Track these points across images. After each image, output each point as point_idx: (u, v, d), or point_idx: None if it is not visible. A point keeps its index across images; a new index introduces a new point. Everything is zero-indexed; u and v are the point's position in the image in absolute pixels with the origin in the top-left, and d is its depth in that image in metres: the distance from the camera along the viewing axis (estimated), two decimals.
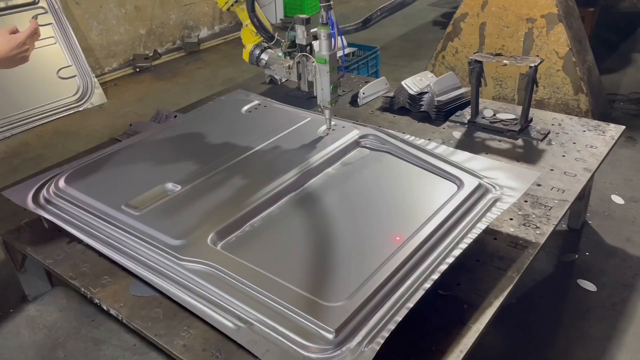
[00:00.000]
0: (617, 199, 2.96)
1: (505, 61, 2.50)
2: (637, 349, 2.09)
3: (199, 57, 5.80)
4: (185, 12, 6.10)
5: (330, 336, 1.32)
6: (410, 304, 1.42)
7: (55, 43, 4.64)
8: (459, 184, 1.87)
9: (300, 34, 2.13)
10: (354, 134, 2.21)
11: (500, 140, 2.54)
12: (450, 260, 1.55)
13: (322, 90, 2.08)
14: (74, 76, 4.71)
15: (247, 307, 1.43)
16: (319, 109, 2.18)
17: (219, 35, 6.37)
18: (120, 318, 1.73)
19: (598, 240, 2.69)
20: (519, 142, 2.52)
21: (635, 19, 5.56)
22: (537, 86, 2.52)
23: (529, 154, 2.42)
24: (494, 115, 2.69)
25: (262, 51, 2.51)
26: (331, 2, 1.95)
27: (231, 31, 6.44)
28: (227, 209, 1.79)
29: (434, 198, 1.81)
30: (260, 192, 1.86)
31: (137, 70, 5.45)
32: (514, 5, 3.71)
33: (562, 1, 3.59)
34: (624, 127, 2.56)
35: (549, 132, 2.55)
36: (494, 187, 1.86)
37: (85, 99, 4.73)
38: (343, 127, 2.26)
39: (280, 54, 2.33)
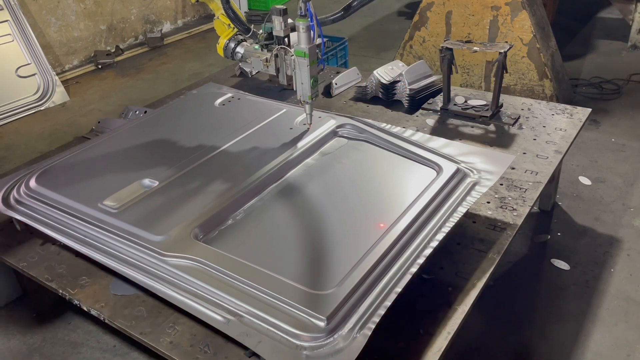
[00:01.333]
0: (585, 180, 3.05)
1: (475, 48, 2.54)
2: (611, 323, 2.16)
3: (163, 52, 5.69)
4: (147, 7, 5.96)
5: (322, 324, 1.32)
6: (399, 289, 1.43)
7: (13, 41, 4.47)
8: (438, 169, 1.89)
9: (278, 26, 2.09)
10: (330, 123, 2.21)
11: (472, 126, 2.58)
12: (434, 244, 1.57)
13: (302, 85, 2.02)
14: (34, 74, 4.56)
15: (235, 300, 1.42)
16: (299, 104, 2.11)
17: (182, 29, 6.26)
18: (102, 318, 1.70)
19: (568, 220, 2.77)
20: (491, 127, 2.57)
21: (593, 6, 5.72)
22: (506, 72, 2.56)
23: (501, 139, 2.46)
24: (466, 102, 2.73)
25: (237, 44, 2.46)
26: None
27: (195, 25, 6.34)
28: (208, 203, 1.76)
29: (414, 184, 1.83)
30: (241, 184, 1.85)
31: (99, 67, 5.31)
32: None
33: None
34: (590, 109, 2.64)
35: (519, 117, 2.60)
36: (472, 172, 1.89)
37: (46, 98, 4.58)
38: (319, 117, 2.26)
39: (256, 47, 2.27)
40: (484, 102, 2.69)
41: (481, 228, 1.91)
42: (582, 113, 2.61)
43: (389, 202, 1.77)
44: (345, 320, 1.35)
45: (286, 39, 2.10)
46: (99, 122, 2.87)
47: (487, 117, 2.58)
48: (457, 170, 1.87)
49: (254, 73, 3.36)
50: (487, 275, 1.71)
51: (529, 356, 2.07)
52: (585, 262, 2.49)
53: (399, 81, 2.80)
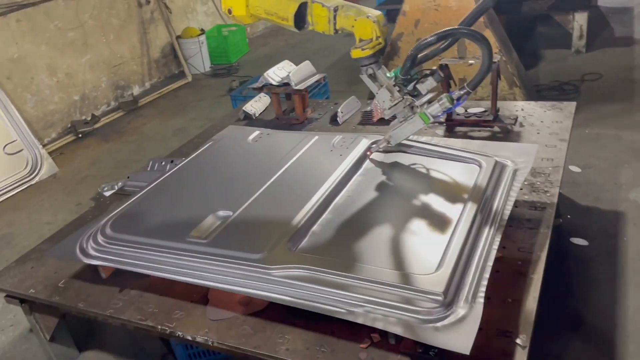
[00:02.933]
0: (575, 168, 3.38)
1: (471, 61, 2.85)
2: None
3: (140, 114, 5.79)
4: (116, 73, 6.08)
5: (439, 298, 1.49)
6: (490, 262, 1.62)
7: None
8: (479, 164, 2.12)
9: (426, 87, 2.12)
10: (365, 142, 2.42)
11: (480, 131, 2.86)
12: (503, 223, 1.79)
13: (400, 133, 2.13)
14: (21, 150, 4.56)
15: (352, 294, 1.56)
16: (383, 143, 2.22)
17: (150, 91, 6.39)
18: (211, 343, 1.79)
19: (573, 204, 3.06)
20: (496, 129, 2.85)
21: (533, 22, 6.30)
22: (499, 79, 2.88)
23: (509, 137, 2.74)
24: (466, 111, 3.01)
25: (375, 63, 2.08)
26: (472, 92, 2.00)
27: (162, 85, 6.48)
28: (286, 222, 1.91)
29: (464, 178, 2.05)
30: (311, 200, 2.01)
31: (80, 135, 5.34)
32: (444, 19, 4.15)
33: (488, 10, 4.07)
34: (575, 102, 2.98)
35: (517, 117, 2.91)
36: (508, 162, 2.13)
37: (36, 171, 4.58)
38: (352, 138, 2.46)
39: (388, 75, 2.12)
40: (482, 109, 2.98)
41: (525, 210, 2.14)
42: (570, 106, 2.94)
43: (449, 195, 1.98)
44: (458, 294, 1.52)
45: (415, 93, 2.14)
46: (128, 177, 2.95)
47: (490, 120, 2.87)
48: (496, 163, 2.10)
49: (257, 115, 3.55)
50: (546, 246, 1.93)
51: (580, 320, 2.29)
52: (600, 236, 2.76)
53: None
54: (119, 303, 2.02)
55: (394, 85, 2.11)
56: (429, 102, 2.13)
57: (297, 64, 3.43)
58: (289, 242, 1.81)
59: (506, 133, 2.79)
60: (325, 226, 1.93)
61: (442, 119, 2.96)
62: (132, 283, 2.09)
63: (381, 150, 2.31)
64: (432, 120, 2.07)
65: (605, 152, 3.50)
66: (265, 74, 3.19)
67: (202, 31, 6.86)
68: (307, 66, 3.20)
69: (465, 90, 2.05)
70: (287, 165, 2.30)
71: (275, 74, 3.18)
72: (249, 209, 2.03)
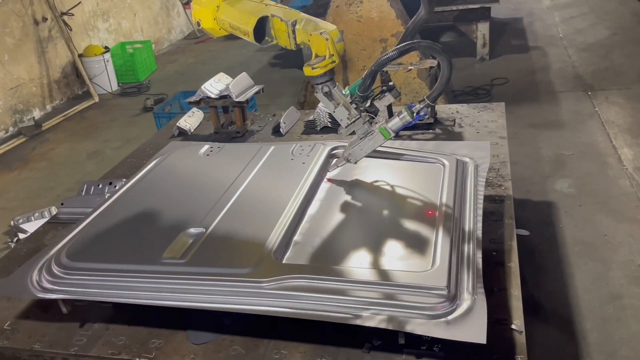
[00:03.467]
0: None
1: (410, 67, 2.95)
2: (582, 263, 2.62)
3: (45, 139, 5.36)
4: (13, 96, 5.59)
5: (444, 292, 1.50)
6: (480, 254, 1.67)
7: None
8: (442, 163, 2.19)
9: (384, 103, 2.07)
10: (323, 148, 2.40)
11: (423, 133, 2.95)
12: (480, 218, 1.85)
13: (360, 150, 2.07)
14: None
15: (355, 298, 1.53)
16: (342, 161, 2.15)
17: (54, 114, 5.95)
18: None
19: None
20: (438, 131, 2.96)
21: (435, 33, 6.67)
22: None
23: (452, 138, 2.86)
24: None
25: (330, 80, 2.00)
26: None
27: (66, 108, 6.06)
28: (264, 235, 1.83)
29: (431, 178, 2.10)
30: (283, 214, 1.94)
31: None
32: (367, 30, 4.28)
33: (405, 21, 4.26)
34: (503, 103, 3.17)
35: (455, 119, 3.04)
36: (466, 159, 2.22)
37: None
38: (309, 146, 2.44)
39: (345, 92, 2.05)
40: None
41: (486, 204, 2.21)
42: (500, 106, 3.13)
43: (422, 194, 2.01)
44: (459, 287, 1.54)
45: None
46: (62, 203, 2.69)
47: (431, 123, 2.98)
48: (457, 160, 2.18)
49: (192, 130, 3.42)
50: (514, 235, 2.03)
51: (537, 304, 2.43)
52: (538, 226, 2.96)
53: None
54: (82, 339, 1.83)
55: (351, 103, 2.06)
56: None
57: (207, 81, 3.33)
58: (273, 254, 1.73)
59: (448, 134, 2.91)
60: (305, 235, 1.88)
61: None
62: (93, 316, 1.89)
63: (340, 167, 2.19)
64: (392, 134, 2.05)
65: (525, 150, 3.77)
66: (202, 87, 3.08)
67: (107, 49, 6.51)
68: (244, 78, 3.14)
69: (425, 103, 2.04)
70: (250, 177, 2.22)
71: (213, 86, 3.08)
72: (222, 225, 1.93)
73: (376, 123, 2.07)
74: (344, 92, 2.07)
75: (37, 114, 5.84)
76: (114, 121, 5.57)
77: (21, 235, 3.53)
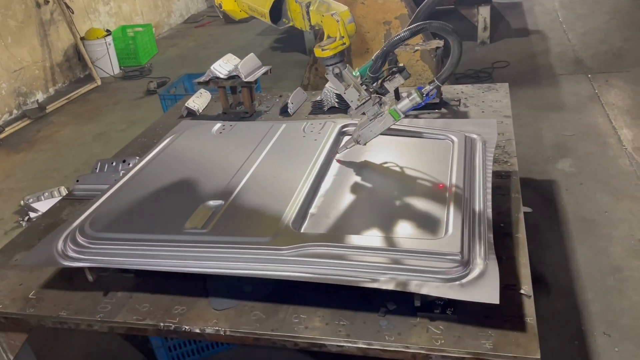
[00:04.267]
0: None
1: (417, 47, 3.00)
2: (584, 238, 2.71)
3: (50, 121, 5.39)
4: (16, 79, 5.60)
5: (458, 258, 1.57)
6: (490, 224, 1.75)
7: None
8: (451, 140, 2.25)
9: (394, 84, 2.07)
10: (334, 126, 2.46)
11: (429, 112, 3.01)
12: (489, 190, 1.92)
13: (370, 132, 2.09)
14: None
15: (372, 263, 1.60)
16: (351, 143, 2.17)
17: (56, 97, 5.97)
18: (223, 332, 1.74)
19: None
20: (443, 110, 3.02)
21: (435, 16, 6.70)
22: (443, 63, 3.06)
23: (458, 117, 2.92)
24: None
25: (341, 62, 2.00)
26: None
27: (68, 91, 6.08)
28: (281, 207, 1.90)
29: (441, 153, 2.17)
30: (298, 187, 2.01)
31: None
32: (371, 12, 4.32)
33: (409, 3, 4.30)
34: (507, 83, 3.24)
35: (460, 99, 3.10)
36: (474, 135, 2.29)
37: None
38: (320, 123, 2.50)
39: (355, 73, 2.07)
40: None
41: (493, 180, 2.29)
42: (504, 87, 3.20)
43: (433, 168, 2.08)
44: (471, 253, 1.62)
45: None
46: (77, 180, 2.75)
47: (437, 103, 3.04)
48: (466, 137, 2.25)
49: (200, 111, 3.47)
50: (521, 208, 2.10)
51: (541, 277, 2.51)
52: (541, 203, 3.04)
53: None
54: (107, 307, 1.90)
55: (361, 84, 2.07)
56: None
57: (209, 65, 3.37)
58: (291, 224, 1.80)
59: (453, 114, 2.97)
60: (321, 207, 1.95)
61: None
62: (117, 285, 1.97)
63: (349, 148, 2.21)
64: (402, 116, 2.06)
65: (527, 130, 3.84)
66: (211, 67, 3.13)
67: (108, 32, 6.52)
68: (252, 58, 3.18)
69: (435, 85, 2.06)
70: (264, 153, 2.29)
71: (222, 67, 3.13)
72: (240, 197, 2.00)
73: (385, 104, 2.08)
74: (354, 73, 2.08)
75: (40, 96, 5.86)
76: (117, 104, 5.60)
77: (32, 214, 3.59)
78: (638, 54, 4.91)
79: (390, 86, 2.11)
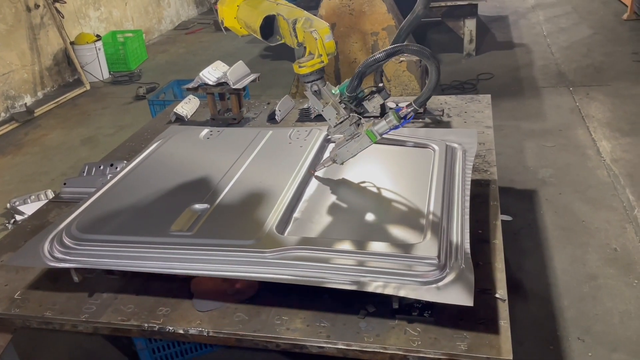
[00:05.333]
0: None
1: (401, 58, 3.07)
2: (561, 247, 2.78)
3: (37, 125, 5.39)
4: (5, 82, 5.60)
5: (435, 262, 1.63)
6: (467, 229, 1.81)
7: None
8: (432, 148, 2.32)
9: (373, 104, 2.07)
10: (320, 133, 2.52)
11: (413, 122, 3.08)
12: (468, 197, 1.98)
13: (347, 152, 2.07)
14: None
15: (353, 267, 1.65)
16: (329, 162, 2.14)
17: (45, 100, 5.97)
18: (206, 333, 1.78)
19: None
20: (427, 120, 3.10)
21: (423, 29, 6.81)
22: (427, 75, 3.13)
23: (441, 127, 3.00)
24: (397, 105, 3.23)
25: (320, 79, 1.98)
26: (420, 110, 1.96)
27: (57, 95, 6.08)
28: (266, 212, 1.95)
29: (423, 161, 2.23)
30: (282, 193, 2.06)
31: None
32: (358, 23, 4.40)
33: (396, 15, 4.39)
34: (489, 95, 3.32)
35: (443, 110, 3.18)
36: (455, 145, 2.35)
37: None
38: (306, 131, 2.56)
39: (335, 91, 2.04)
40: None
41: (472, 188, 2.32)
42: (486, 98, 3.28)
43: (415, 175, 2.14)
44: (448, 257, 1.67)
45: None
46: (64, 183, 2.77)
47: (421, 112, 3.11)
48: (447, 146, 2.31)
49: (189, 117, 3.51)
50: (499, 215, 2.17)
51: (519, 283, 2.58)
52: (520, 212, 3.11)
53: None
54: (92, 307, 1.93)
55: (340, 103, 2.04)
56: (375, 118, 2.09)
57: (199, 71, 3.42)
58: (275, 228, 1.85)
59: (437, 123, 3.04)
60: (304, 212, 2.00)
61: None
62: (102, 286, 2.00)
63: (327, 166, 2.17)
64: (379, 137, 2.03)
65: (509, 141, 3.93)
66: (200, 74, 3.18)
67: (98, 37, 6.54)
68: (241, 66, 3.24)
69: (412, 108, 2.03)
70: (250, 159, 2.33)
71: (211, 74, 3.18)
72: (225, 201, 2.04)
73: (363, 125, 2.06)
74: (333, 91, 2.05)
75: (28, 100, 5.86)
76: (106, 109, 5.62)
77: (18, 217, 3.60)
78: (619, 69, 5.04)
79: (369, 106, 2.10)
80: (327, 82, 2.01)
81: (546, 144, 3.83)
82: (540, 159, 3.63)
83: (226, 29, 2.22)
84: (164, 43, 8.03)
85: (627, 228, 2.87)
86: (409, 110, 2.02)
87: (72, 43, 6.28)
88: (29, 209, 3.58)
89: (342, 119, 2.02)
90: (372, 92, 2.09)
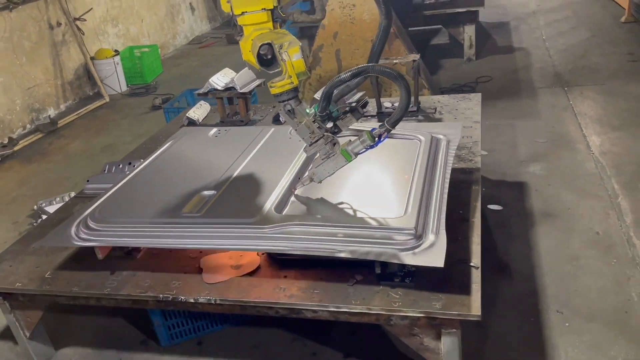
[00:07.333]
0: (483, 152, 3.94)
1: (395, 61, 3.31)
2: (547, 232, 2.97)
3: (61, 135, 5.71)
4: (30, 96, 5.95)
5: (412, 232, 1.85)
6: (444, 206, 2.03)
7: None
8: (419, 139, 2.54)
9: (346, 124, 2.11)
10: None
11: (406, 119, 3.31)
12: (447, 180, 2.20)
13: (323, 170, 2.10)
14: None
15: (342, 238, 1.88)
16: (307, 180, 2.18)
17: (67, 112, 6.30)
18: (213, 301, 2.01)
19: (486, 178, 3.60)
20: (420, 117, 3.32)
21: (425, 36, 7.04)
22: (420, 75, 3.36)
23: (433, 122, 3.22)
24: (392, 105, 3.46)
25: (294, 98, 1.99)
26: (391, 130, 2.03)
27: (78, 107, 6.39)
28: (267, 196, 2.19)
29: (410, 150, 2.45)
30: (282, 179, 2.30)
31: None
32: (359, 31, 4.64)
33: (395, 22, 4.62)
34: (480, 93, 3.53)
35: (436, 108, 3.40)
36: (440, 136, 2.58)
37: None
38: None
39: (308, 111, 2.04)
40: None
41: (458, 175, 2.58)
42: (477, 97, 3.49)
43: (401, 162, 2.36)
44: (425, 228, 1.89)
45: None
46: (88, 180, 3.05)
47: (415, 111, 3.33)
48: (432, 137, 2.54)
49: (200, 120, 3.78)
50: (479, 197, 2.38)
51: (505, 265, 2.77)
52: (511, 202, 3.31)
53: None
54: (114, 283, 2.18)
55: (314, 122, 2.03)
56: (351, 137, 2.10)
57: None
58: (274, 209, 2.09)
59: (429, 120, 3.26)
60: (301, 196, 2.24)
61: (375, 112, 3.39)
62: (122, 265, 2.25)
63: (305, 185, 2.20)
64: (354, 157, 2.06)
65: (504, 138, 4.13)
66: (210, 80, 3.44)
67: (117, 52, 6.89)
68: (247, 72, 3.48)
69: (385, 128, 2.04)
70: (254, 152, 2.58)
71: (219, 79, 3.44)
72: (231, 188, 2.29)
73: (338, 145, 2.06)
74: (308, 110, 2.04)
75: (52, 112, 6.19)
76: (124, 119, 5.93)
77: (44, 217, 3.88)
78: (613, 68, 5.20)
79: (342, 125, 2.12)
80: (302, 102, 2.02)
81: (538, 140, 4.01)
82: (532, 154, 3.82)
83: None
84: (178, 57, 8.37)
85: (610, 214, 3.05)
86: (383, 130, 2.04)
87: (92, 58, 6.63)
88: (54, 209, 3.85)
89: (316, 138, 2.03)
90: (345, 112, 2.10)
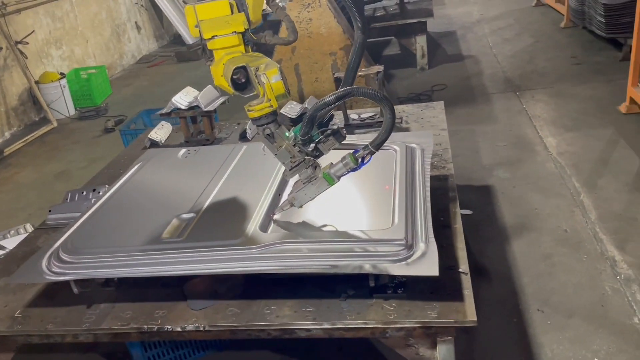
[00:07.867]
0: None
1: (360, 73, 3.33)
2: (519, 234, 3.04)
3: (8, 164, 5.44)
4: None
5: (403, 242, 1.85)
6: (429, 214, 2.04)
7: None
8: (394, 150, 2.56)
9: (328, 147, 2.02)
10: None
11: (375, 130, 3.33)
12: (428, 189, 2.22)
13: (305, 195, 2.03)
14: None
15: (332, 253, 1.86)
16: (287, 205, 2.09)
17: (12, 140, 6.01)
18: (202, 329, 1.94)
19: None
20: None
21: (378, 47, 7.16)
22: (384, 86, 3.40)
23: (400, 132, 3.25)
24: (359, 116, 3.48)
25: (272, 122, 1.92)
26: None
27: (25, 133, 6.13)
28: (248, 216, 2.14)
29: (386, 161, 2.46)
30: (261, 198, 2.26)
31: None
32: (317, 45, 4.67)
33: (351, 35, 4.67)
34: (442, 101, 3.61)
35: (402, 117, 3.44)
36: (414, 145, 2.60)
37: None
38: None
39: (287, 134, 1.97)
40: (372, 113, 3.48)
41: (433, 182, 2.59)
42: (440, 105, 3.56)
43: (381, 173, 2.37)
44: (414, 237, 1.90)
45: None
46: (50, 210, 2.89)
47: (381, 121, 3.35)
48: (407, 147, 2.56)
49: (163, 141, 3.67)
50: (457, 204, 2.41)
51: (482, 267, 2.82)
52: (479, 206, 3.38)
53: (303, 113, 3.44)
54: (92, 317, 2.06)
55: (294, 146, 1.97)
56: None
57: (166, 101, 3.60)
58: (258, 228, 2.04)
59: (396, 129, 3.29)
60: (283, 215, 2.19)
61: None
62: (99, 298, 2.14)
63: (285, 210, 2.13)
64: (337, 181, 2.01)
65: (465, 144, 4.23)
66: (172, 99, 3.36)
67: (62, 75, 6.65)
68: (210, 90, 3.43)
69: (368, 150, 1.99)
70: (228, 171, 2.53)
71: (182, 99, 3.36)
72: (210, 209, 2.22)
73: (320, 168, 2.02)
74: (287, 134, 1.98)
75: None
76: (75, 143, 5.71)
77: (1, 252, 3.66)
78: (560, 72, 5.45)
79: (324, 148, 2.04)
80: (282, 125, 1.95)
81: (499, 143, 4.13)
82: (495, 158, 3.93)
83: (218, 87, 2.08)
84: (127, 77, 8.17)
85: (575, 211, 3.16)
86: (366, 152, 1.99)
87: (36, 82, 6.36)
88: (10, 243, 3.64)
89: (297, 163, 1.98)
90: (327, 135, 2.02)
